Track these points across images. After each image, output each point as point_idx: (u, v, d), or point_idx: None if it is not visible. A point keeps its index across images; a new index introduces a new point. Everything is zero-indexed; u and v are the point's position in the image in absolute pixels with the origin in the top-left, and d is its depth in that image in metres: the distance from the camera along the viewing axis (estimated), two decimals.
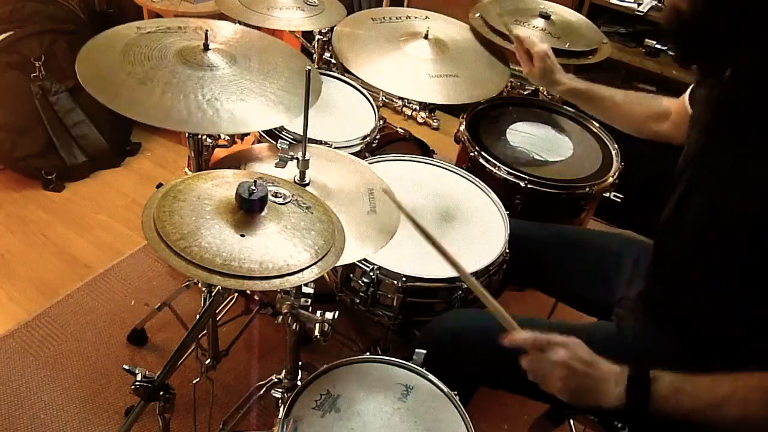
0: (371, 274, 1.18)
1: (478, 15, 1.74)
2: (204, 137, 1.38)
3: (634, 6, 2.50)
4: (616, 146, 1.64)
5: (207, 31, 1.17)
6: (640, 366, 0.90)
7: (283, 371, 1.15)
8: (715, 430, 0.88)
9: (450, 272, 1.19)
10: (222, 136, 1.45)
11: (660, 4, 2.53)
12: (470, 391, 1.13)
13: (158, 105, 1.04)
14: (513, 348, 0.92)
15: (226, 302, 1.77)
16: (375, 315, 1.25)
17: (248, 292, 1.76)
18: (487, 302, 0.93)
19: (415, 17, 1.75)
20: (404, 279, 1.16)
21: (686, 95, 1.26)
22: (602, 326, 1.19)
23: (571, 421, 1.31)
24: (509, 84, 1.83)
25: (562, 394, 0.90)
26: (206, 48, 1.17)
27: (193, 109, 1.05)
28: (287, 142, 1.21)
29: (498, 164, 1.49)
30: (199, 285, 1.54)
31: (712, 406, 0.86)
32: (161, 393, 0.99)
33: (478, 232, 1.32)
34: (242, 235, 0.84)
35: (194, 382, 1.51)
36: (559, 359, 0.89)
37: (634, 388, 0.88)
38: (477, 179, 1.45)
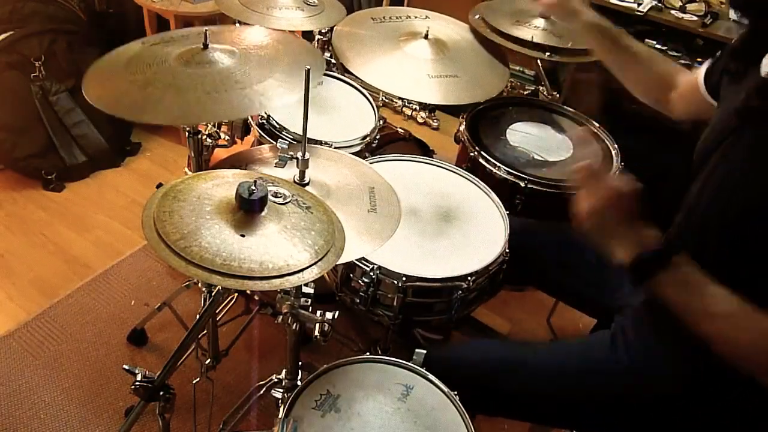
0: (371, 273, 1.18)
1: (477, 16, 1.74)
2: (204, 137, 1.38)
3: (634, 6, 2.50)
4: (616, 146, 1.64)
5: (207, 30, 1.17)
6: (669, 248, 0.91)
7: (283, 371, 1.15)
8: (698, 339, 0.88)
9: (450, 272, 1.19)
10: (222, 136, 1.45)
11: (660, 4, 2.54)
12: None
13: (158, 104, 1.04)
14: None
15: (226, 302, 1.77)
16: (375, 315, 1.25)
17: (248, 292, 1.76)
18: None
19: (415, 17, 1.75)
20: (404, 279, 1.16)
21: (700, 76, 1.19)
22: (598, 342, 1.16)
23: None
24: (509, 84, 1.83)
25: (592, 220, 0.93)
26: (205, 47, 1.17)
27: (192, 103, 1.06)
28: (287, 142, 1.21)
29: (498, 164, 1.49)
30: (199, 285, 1.54)
31: (710, 315, 0.86)
32: (161, 393, 0.99)
33: (478, 231, 1.32)
34: (242, 235, 0.84)
35: (194, 382, 1.51)
36: (613, 185, 0.93)
37: (646, 258, 0.89)
38: (477, 179, 1.44)
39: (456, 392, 1.04)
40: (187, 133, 1.35)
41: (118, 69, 1.14)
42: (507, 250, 1.27)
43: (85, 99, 1.04)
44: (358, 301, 1.24)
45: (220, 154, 1.39)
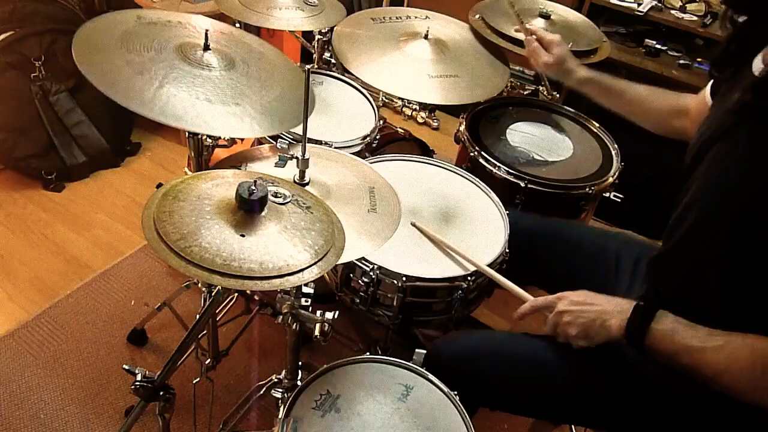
0: (371, 273, 1.18)
1: (478, 16, 1.74)
2: (204, 137, 1.38)
3: (634, 6, 2.51)
4: (616, 146, 1.64)
5: (207, 30, 1.17)
6: (647, 302, 0.97)
7: (283, 371, 1.15)
8: (695, 379, 0.91)
9: (450, 272, 1.19)
10: (222, 136, 1.45)
11: (660, 4, 2.54)
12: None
13: (154, 98, 1.03)
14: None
15: (226, 302, 1.77)
16: (375, 315, 1.25)
17: (248, 292, 1.76)
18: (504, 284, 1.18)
19: (415, 17, 1.75)
20: (404, 279, 1.16)
21: (707, 91, 1.23)
22: None
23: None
24: (509, 84, 1.83)
25: (578, 338, 1.02)
26: (206, 48, 1.17)
27: (189, 106, 1.05)
28: (287, 142, 1.21)
29: (498, 164, 1.49)
30: (199, 285, 1.54)
31: (700, 350, 0.90)
32: (161, 393, 0.99)
33: (478, 231, 1.32)
34: (242, 235, 0.84)
35: (194, 382, 1.51)
36: (561, 308, 1.04)
37: (635, 319, 0.96)
38: (477, 179, 1.44)
39: (456, 392, 1.04)
40: (187, 133, 1.35)
41: (113, 41, 1.10)
42: (507, 250, 1.27)
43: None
44: (358, 301, 1.24)
45: (220, 154, 1.38)
